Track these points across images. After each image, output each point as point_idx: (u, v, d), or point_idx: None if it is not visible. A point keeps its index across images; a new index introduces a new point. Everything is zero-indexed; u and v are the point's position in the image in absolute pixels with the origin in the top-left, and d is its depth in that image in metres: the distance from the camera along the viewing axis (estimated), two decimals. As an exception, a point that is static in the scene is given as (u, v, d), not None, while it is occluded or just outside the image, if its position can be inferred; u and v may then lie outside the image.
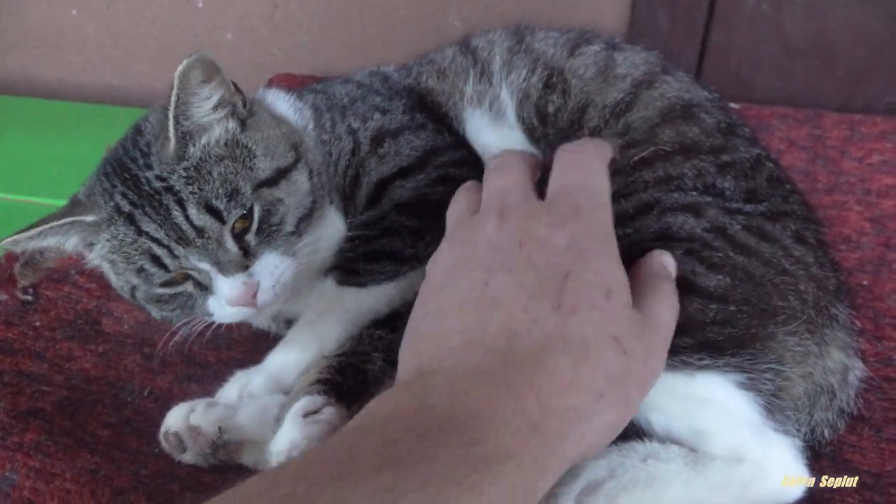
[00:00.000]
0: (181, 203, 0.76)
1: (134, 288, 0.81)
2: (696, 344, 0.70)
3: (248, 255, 0.78)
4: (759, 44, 1.56)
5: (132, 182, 0.78)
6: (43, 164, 1.55)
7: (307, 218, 0.83)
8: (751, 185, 0.82)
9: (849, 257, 1.13)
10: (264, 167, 0.80)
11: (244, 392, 0.81)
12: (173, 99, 0.75)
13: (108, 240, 0.79)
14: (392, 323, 0.82)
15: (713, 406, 0.71)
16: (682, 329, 0.70)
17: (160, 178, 0.77)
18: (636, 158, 0.82)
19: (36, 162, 1.57)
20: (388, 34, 1.75)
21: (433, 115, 0.93)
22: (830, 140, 1.35)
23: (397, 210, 0.85)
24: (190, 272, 0.79)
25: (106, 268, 0.83)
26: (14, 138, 1.66)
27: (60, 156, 1.55)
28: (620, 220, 0.75)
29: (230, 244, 0.77)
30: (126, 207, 0.78)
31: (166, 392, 0.93)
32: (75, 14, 1.88)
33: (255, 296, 0.78)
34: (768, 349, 0.72)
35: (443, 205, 0.83)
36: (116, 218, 0.78)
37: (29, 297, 1.05)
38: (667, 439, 0.72)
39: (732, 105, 1.43)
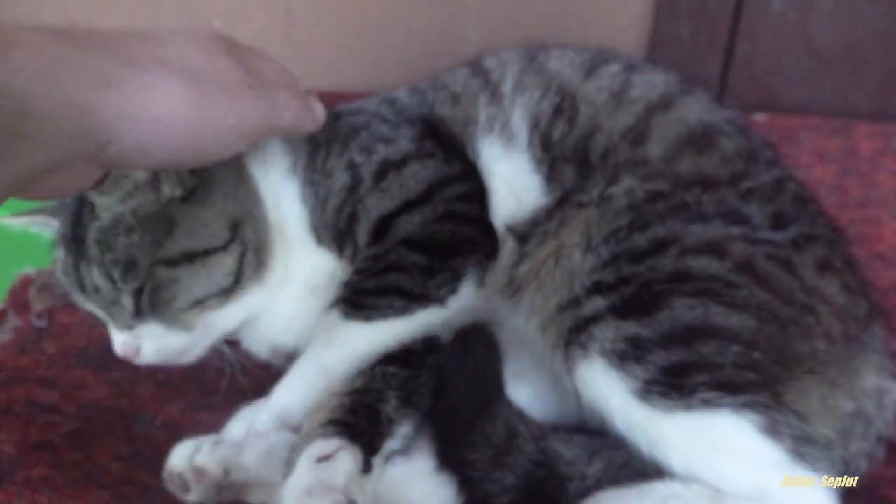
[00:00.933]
0: (88, 261, 0.79)
1: None
2: (713, 383, 0.68)
3: (139, 315, 0.80)
4: (785, 53, 1.52)
5: (76, 218, 0.80)
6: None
7: (221, 295, 0.81)
8: (776, 209, 0.80)
9: (883, 276, 1.09)
10: (171, 248, 0.78)
11: (250, 430, 0.79)
12: None
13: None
14: (405, 359, 0.79)
15: (734, 447, 0.69)
16: (697, 367, 0.69)
17: (82, 228, 0.79)
18: (655, 190, 0.80)
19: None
20: (405, 48, 1.73)
21: (446, 145, 0.90)
22: (863, 152, 1.31)
23: (406, 245, 0.83)
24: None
25: None
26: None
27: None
28: (634, 256, 0.75)
29: (125, 302, 0.79)
30: (65, 239, 0.81)
31: (177, 422, 0.91)
32: (95, 33, 1.89)
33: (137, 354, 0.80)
34: (792, 394, 0.70)
35: (450, 243, 0.83)
36: (58, 245, 0.83)
37: (43, 324, 1.05)
38: (691, 480, 0.69)
39: (758, 117, 1.41)
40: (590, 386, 0.72)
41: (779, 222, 0.78)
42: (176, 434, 0.89)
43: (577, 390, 0.74)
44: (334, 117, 0.95)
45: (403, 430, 0.76)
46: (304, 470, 0.67)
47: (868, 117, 1.44)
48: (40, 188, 0.62)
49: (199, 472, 0.74)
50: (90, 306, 0.82)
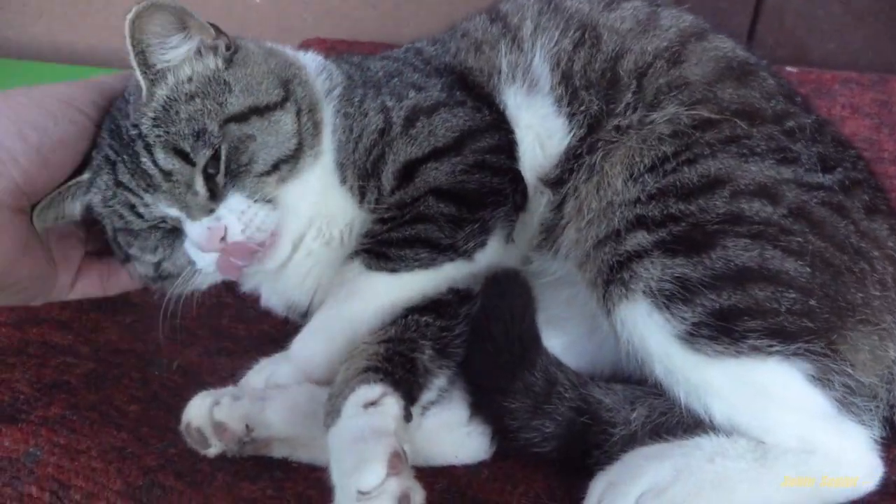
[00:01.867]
0: (149, 148, 0.75)
1: (117, 231, 0.81)
2: (766, 329, 0.66)
3: (215, 198, 0.76)
4: (817, 4, 1.48)
5: (116, 132, 0.77)
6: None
7: (291, 161, 0.79)
8: (821, 150, 0.77)
9: (918, 231, 1.06)
10: (236, 103, 0.77)
11: (270, 382, 0.76)
12: (128, 47, 0.74)
13: (95, 192, 0.79)
14: (437, 309, 0.76)
15: (783, 396, 0.67)
16: (750, 313, 0.66)
17: (134, 126, 0.76)
18: (700, 118, 0.76)
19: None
20: (423, -3, 1.69)
21: (475, 94, 0.87)
22: (898, 106, 1.28)
23: (435, 195, 0.80)
24: (160, 221, 0.78)
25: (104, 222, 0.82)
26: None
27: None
28: (683, 193, 0.71)
29: (199, 185, 0.75)
30: (112, 156, 0.77)
31: (195, 366, 0.89)
32: (102, -22, 1.85)
33: (223, 239, 0.75)
34: (846, 343, 0.67)
35: (480, 194, 0.80)
36: (103, 167, 0.78)
37: (55, 267, 1.02)
38: (731, 430, 0.67)
39: (789, 69, 1.37)
40: (630, 328, 0.70)
41: (826, 164, 0.75)
42: (194, 378, 0.87)
43: (616, 332, 0.71)
44: (365, 60, 0.93)
45: (439, 381, 0.74)
46: (352, 416, 0.65)
47: (900, 71, 1.40)
48: None
49: (219, 428, 0.72)
50: (160, 209, 0.76)
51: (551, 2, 0.91)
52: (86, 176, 0.79)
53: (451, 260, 0.79)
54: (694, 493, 0.64)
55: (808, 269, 0.68)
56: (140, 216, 0.78)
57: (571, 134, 0.83)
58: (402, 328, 0.74)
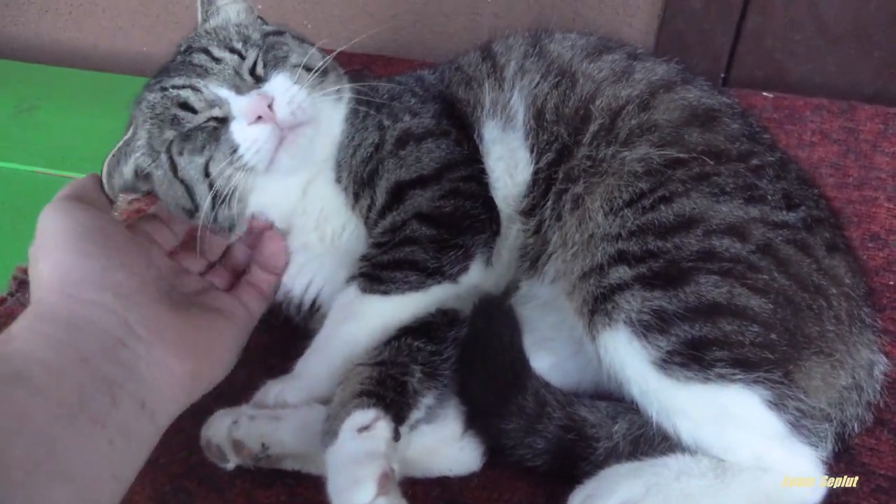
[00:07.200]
0: (205, 50, 0.89)
1: (170, 144, 0.88)
2: (731, 359, 0.73)
3: (259, 82, 0.87)
4: (794, 28, 1.55)
5: (161, 71, 0.90)
6: (78, 138, 1.56)
7: (319, 74, 0.90)
8: (785, 187, 0.84)
9: (876, 256, 1.14)
10: (272, 28, 0.95)
11: (279, 400, 0.83)
12: None
13: (142, 123, 0.88)
14: (428, 333, 0.83)
15: (742, 418, 0.75)
16: (718, 344, 0.74)
17: (186, 49, 0.91)
18: (670, 158, 0.83)
19: (70, 135, 1.57)
20: (420, 8, 1.75)
21: (459, 124, 0.96)
22: (864, 133, 1.35)
23: (418, 219, 0.88)
24: (212, 111, 0.86)
25: (148, 153, 0.90)
26: (49, 110, 1.67)
27: (96, 130, 1.53)
28: (660, 231, 0.79)
29: (246, 74, 0.88)
30: (155, 82, 0.89)
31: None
32: (107, -19, 1.88)
33: (271, 107, 0.84)
34: (800, 372, 0.75)
35: (455, 217, 0.88)
36: (147, 94, 0.88)
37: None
38: (695, 448, 0.75)
39: (766, 94, 1.45)
40: (612, 353, 0.77)
41: (790, 202, 0.82)
42: (212, 388, 0.94)
43: (599, 356, 0.79)
44: (374, 81, 1.02)
45: (427, 401, 0.81)
46: (348, 439, 0.72)
47: (870, 96, 1.48)
48: None
49: (237, 445, 0.78)
50: (211, 90, 0.86)
51: (536, 46, 0.99)
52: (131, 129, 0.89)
53: (438, 283, 0.86)
54: None
55: (771, 306, 0.76)
56: (191, 109, 0.86)
57: (535, 163, 0.92)
58: (395, 351, 0.81)
